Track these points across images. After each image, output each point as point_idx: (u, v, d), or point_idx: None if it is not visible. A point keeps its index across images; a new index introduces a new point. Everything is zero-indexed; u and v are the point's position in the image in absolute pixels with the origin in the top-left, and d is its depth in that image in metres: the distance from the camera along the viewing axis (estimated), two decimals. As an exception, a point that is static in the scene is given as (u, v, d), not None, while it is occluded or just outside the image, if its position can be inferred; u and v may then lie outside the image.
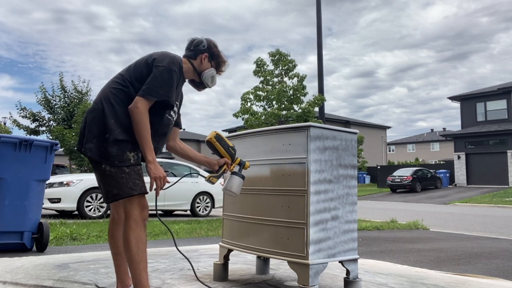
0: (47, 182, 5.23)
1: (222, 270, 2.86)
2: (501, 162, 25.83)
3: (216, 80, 2.40)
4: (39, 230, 4.26)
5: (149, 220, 7.19)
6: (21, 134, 19.88)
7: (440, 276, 3.39)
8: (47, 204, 7.97)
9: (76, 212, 8.36)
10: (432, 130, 62.94)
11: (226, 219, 2.89)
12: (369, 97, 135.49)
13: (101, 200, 8.27)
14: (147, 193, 2.13)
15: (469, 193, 21.65)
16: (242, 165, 2.46)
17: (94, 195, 8.32)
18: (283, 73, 18.90)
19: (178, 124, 2.48)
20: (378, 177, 31.03)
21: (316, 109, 18.22)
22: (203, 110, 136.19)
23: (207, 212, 10.16)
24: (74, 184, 8.28)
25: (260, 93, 18.50)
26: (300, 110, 18.13)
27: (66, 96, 21.45)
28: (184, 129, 56.33)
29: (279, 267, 3.35)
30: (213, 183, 2.38)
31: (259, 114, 17.98)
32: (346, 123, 40.49)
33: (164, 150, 9.18)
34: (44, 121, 21.26)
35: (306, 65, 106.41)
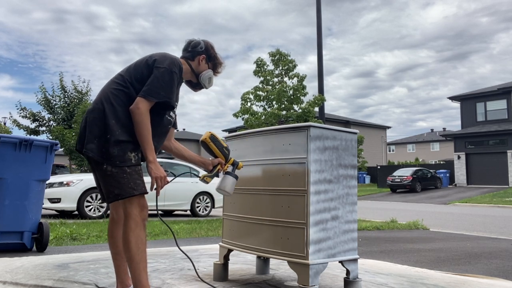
0: (47, 182, 5.23)
1: (222, 270, 2.86)
2: (501, 162, 25.83)
3: (213, 82, 2.44)
4: (39, 230, 4.26)
5: (149, 220, 7.19)
6: (21, 134, 19.89)
7: (440, 276, 3.39)
8: (47, 204, 7.97)
9: (76, 212, 8.36)
10: (432, 130, 62.95)
11: (226, 219, 2.89)
12: (369, 97, 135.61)
13: (101, 200, 8.27)
14: (147, 193, 2.14)
15: (469, 193, 21.65)
16: (235, 165, 2.51)
17: (94, 195, 8.32)
18: (283, 73, 18.90)
19: (174, 124, 2.50)
20: (378, 177, 31.04)
21: (316, 109, 18.23)
22: (203, 110, 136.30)
23: (207, 212, 10.16)
24: (74, 184, 8.28)
25: (260, 93, 18.51)
26: (300, 110, 18.13)
27: (66, 96, 21.45)
28: (184, 129, 56.36)
29: (279, 267, 3.35)
30: (207, 182, 2.42)
31: (259, 114, 17.99)
32: (346, 123, 40.49)
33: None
34: (44, 121, 21.26)
35: (306, 65, 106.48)
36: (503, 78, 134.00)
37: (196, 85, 2.44)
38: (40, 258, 3.63)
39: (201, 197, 10.06)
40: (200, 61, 2.38)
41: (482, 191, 22.35)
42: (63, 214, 8.77)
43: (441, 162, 37.32)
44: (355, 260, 2.50)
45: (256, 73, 18.91)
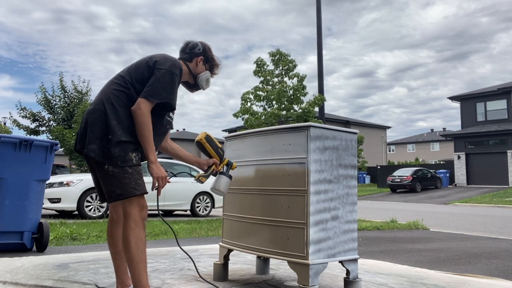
0: (47, 182, 5.23)
1: (222, 270, 2.86)
2: (501, 162, 25.83)
3: (210, 83, 2.46)
4: (39, 230, 4.26)
5: (149, 220, 7.19)
6: (21, 134, 19.89)
7: (440, 276, 3.39)
8: (47, 204, 7.97)
9: (76, 212, 8.36)
10: (432, 130, 62.95)
11: (226, 219, 2.89)
12: (369, 97, 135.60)
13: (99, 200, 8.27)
14: (147, 193, 2.15)
15: (469, 193, 21.65)
16: (229, 165, 2.54)
17: (94, 195, 8.32)
18: (283, 73, 18.91)
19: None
20: (378, 177, 31.04)
21: (316, 109, 18.23)
22: (203, 110, 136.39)
23: (207, 212, 10.16)
24: (74, 184, 8.28)
25: (260, 93, 18.51)
26: (300, 110, 18.14)
27: (66, 96, 21.46)
28: (184, 129, 56.38)
29: (279, 267, 3.35)
30: (202, 182, 2.46)
31: (259, 114, 17.99)
32: (346, 123, 40.49)
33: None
34: (44, 121, 21.26)
35: (306, 65, 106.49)
36: (503, 78, 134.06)
37: (193, 86, 2.47)
38: (40, 258, 3.63)
39: (201, 197, 10.06)
40: (198, 63, 2.41)
41: (482, 191, 22.35)
42: (63, 214, 8.77)
43: (441, 162, 37.32)
44: (355, 260, 2.50)
45: (256, 73, 18.91)
